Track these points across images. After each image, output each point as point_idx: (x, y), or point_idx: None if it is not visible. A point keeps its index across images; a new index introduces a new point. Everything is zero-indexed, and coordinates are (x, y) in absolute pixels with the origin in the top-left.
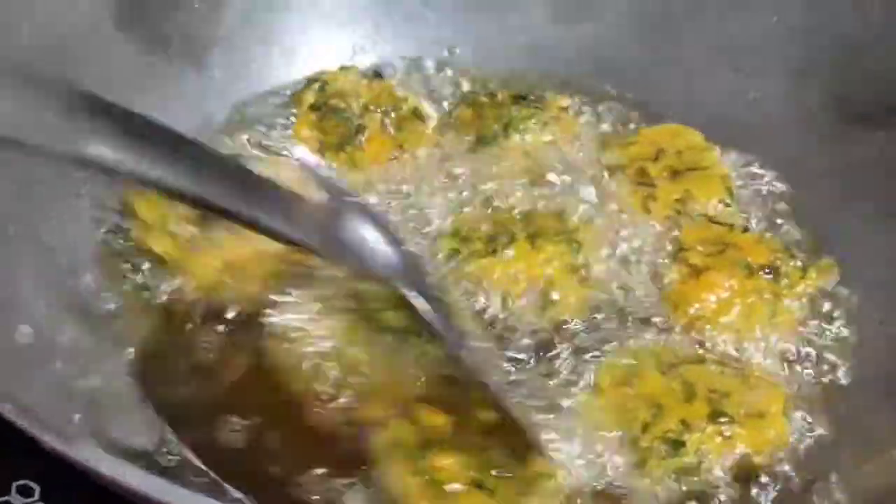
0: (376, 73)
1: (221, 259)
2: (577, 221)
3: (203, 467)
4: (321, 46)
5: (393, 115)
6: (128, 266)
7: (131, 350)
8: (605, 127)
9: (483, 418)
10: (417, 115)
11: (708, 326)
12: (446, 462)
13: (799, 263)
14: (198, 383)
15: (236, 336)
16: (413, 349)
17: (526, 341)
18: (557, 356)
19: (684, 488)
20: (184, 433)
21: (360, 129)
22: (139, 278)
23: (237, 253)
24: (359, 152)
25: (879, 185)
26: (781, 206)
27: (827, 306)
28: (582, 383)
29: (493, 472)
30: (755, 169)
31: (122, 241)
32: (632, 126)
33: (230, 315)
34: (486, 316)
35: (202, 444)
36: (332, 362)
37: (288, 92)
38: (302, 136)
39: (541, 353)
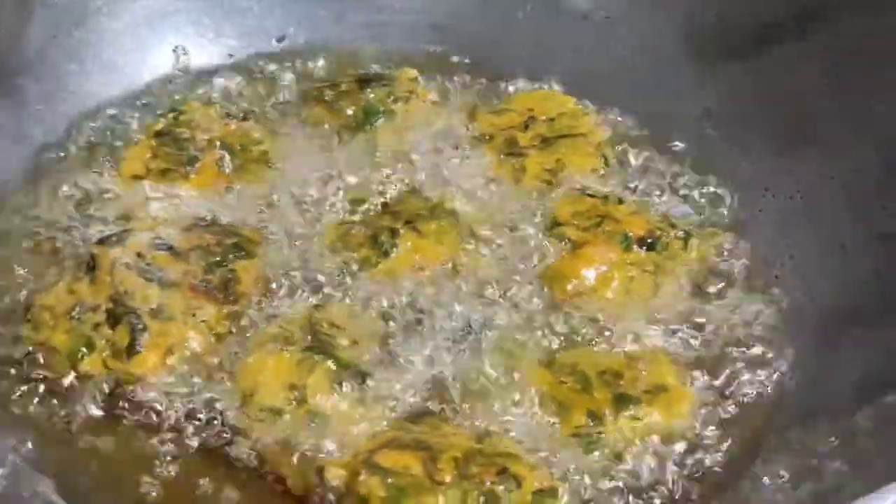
0: (244, 117)
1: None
2: (448, 203)
3: None
4: (139, 56)
5: (239, 154)
6: None
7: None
8: (467, 95)
9: (459, 445)
10: (265, 159)
11: (587, 303)
12: None
13: (681, 233)
14: None
15: None
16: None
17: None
18: None
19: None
20: None
21: (192, 161)
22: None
23: None
24: (181, 180)
25: (761, 116)
26: (667, 163)
27: (724, 262)
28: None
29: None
30: (627, 124)
31: None
32: (489, 89)
33: None
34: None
35: None
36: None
37: (112, 111)
38: (130, 158)
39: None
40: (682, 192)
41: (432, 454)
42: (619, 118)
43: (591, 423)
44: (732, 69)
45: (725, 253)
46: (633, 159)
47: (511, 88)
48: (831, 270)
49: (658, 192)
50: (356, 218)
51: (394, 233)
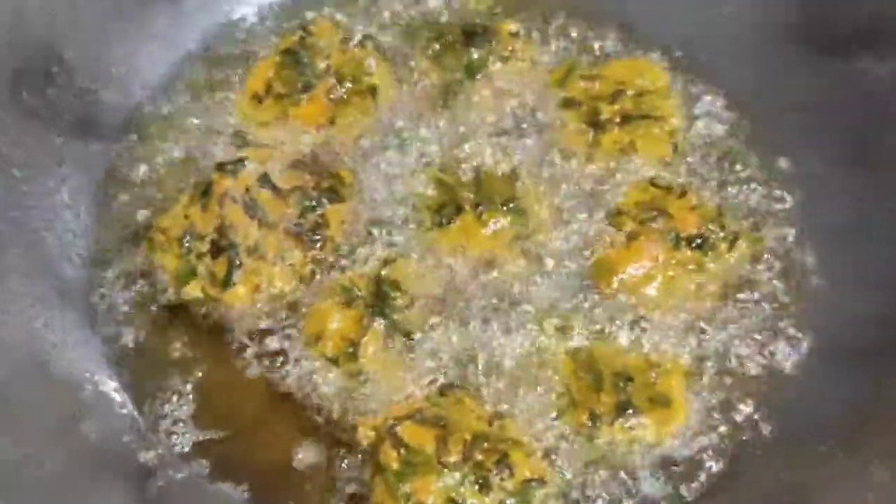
0: (363, 39)
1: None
2: (525, 181)
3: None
4: None
5: (349, 85)
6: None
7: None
8: (563, 49)
9: (471, 427)
10: (373, 92)
11: (626, 298)
12: (425, 485)
13: (730, 234)
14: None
15: None
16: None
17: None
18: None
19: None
20: None
21: (307, 87)
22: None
23: None
24: (293, 108)
25: (841, 123)
26: (736, 143)
27: (768, 265)
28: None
29: (476, 488)
30: (715, 100)
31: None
32: (592, 52)
33: None
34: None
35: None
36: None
37: (257, 21)
38: (255, 76)
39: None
40: (744, 184)
41: (446, 434)
42: (704, 92)
43: (591, 424)
44: (834, 66)
45: (765, 260)
46: (705, 144)
47: (609, 47)
48: (865, 302)
49: (722, 180)
50: (438, 180)
51: (458, 210)
